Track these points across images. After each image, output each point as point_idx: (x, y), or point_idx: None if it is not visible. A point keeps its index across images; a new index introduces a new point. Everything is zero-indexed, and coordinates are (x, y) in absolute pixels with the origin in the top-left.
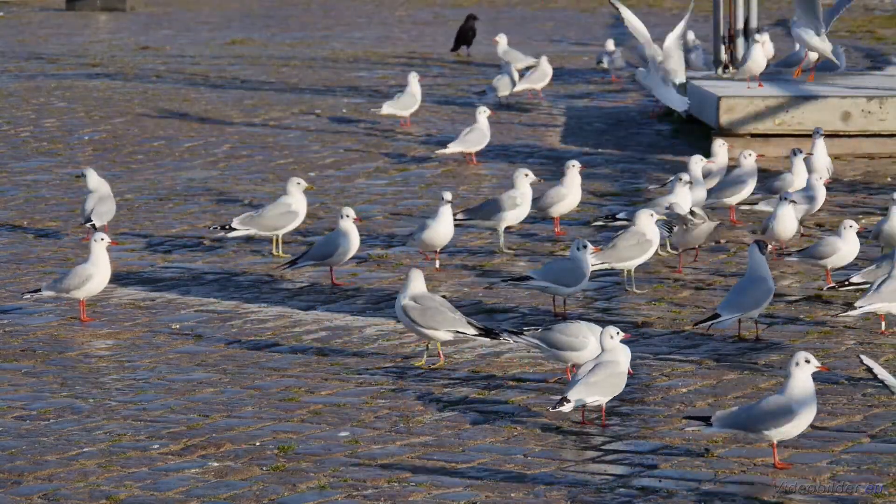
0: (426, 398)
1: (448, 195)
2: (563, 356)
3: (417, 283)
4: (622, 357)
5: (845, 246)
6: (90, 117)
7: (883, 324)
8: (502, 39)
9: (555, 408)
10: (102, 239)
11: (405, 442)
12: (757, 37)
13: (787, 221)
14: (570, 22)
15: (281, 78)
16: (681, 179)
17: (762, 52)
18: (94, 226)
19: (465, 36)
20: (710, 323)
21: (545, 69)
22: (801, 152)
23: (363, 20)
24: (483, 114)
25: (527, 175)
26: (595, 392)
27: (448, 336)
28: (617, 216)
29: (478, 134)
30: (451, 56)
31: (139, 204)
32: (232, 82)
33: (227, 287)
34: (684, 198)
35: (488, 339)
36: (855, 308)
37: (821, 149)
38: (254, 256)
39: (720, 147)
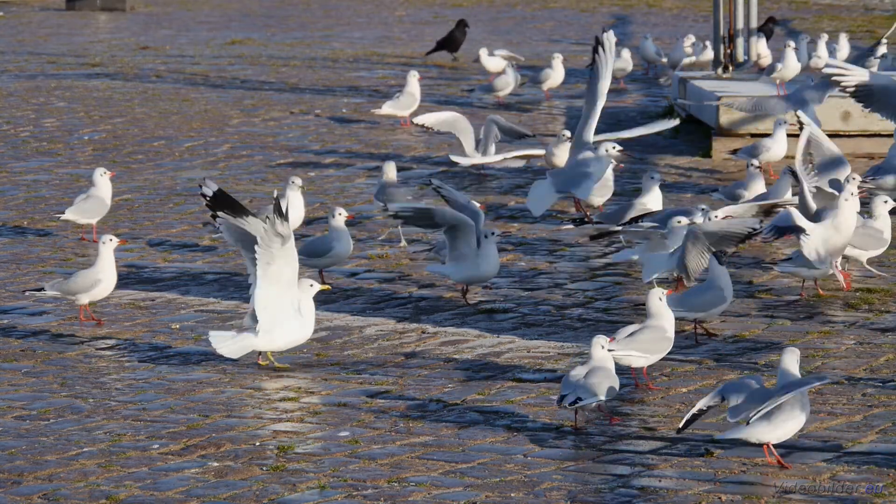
0: (426, 398)
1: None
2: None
3: None
4: (611, 363)
5: None
6: (90, 117)
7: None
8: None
9: (572, 404)
10: (111, 240)
11: (405, 442)
12: (791, 42)
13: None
14: (570, 22)
15: (281, 78)
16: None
17: (795, 57)
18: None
19: (452, 41)
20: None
21: (550, 70)
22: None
23: (363, 20)
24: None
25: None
26: (601, 393)
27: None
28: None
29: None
30: (450, 56)
31: (139, 204)
32: (232, 82)
33: (227, 287)
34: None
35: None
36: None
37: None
38: None
39: (754, 170)
